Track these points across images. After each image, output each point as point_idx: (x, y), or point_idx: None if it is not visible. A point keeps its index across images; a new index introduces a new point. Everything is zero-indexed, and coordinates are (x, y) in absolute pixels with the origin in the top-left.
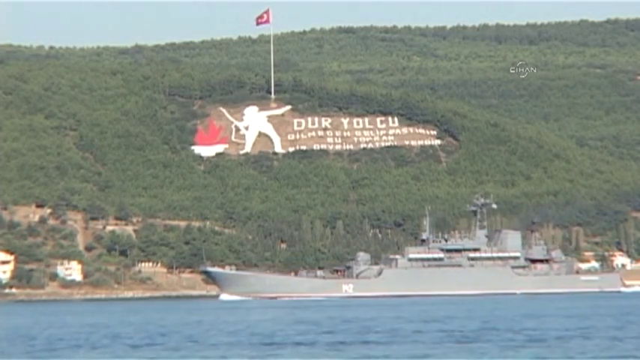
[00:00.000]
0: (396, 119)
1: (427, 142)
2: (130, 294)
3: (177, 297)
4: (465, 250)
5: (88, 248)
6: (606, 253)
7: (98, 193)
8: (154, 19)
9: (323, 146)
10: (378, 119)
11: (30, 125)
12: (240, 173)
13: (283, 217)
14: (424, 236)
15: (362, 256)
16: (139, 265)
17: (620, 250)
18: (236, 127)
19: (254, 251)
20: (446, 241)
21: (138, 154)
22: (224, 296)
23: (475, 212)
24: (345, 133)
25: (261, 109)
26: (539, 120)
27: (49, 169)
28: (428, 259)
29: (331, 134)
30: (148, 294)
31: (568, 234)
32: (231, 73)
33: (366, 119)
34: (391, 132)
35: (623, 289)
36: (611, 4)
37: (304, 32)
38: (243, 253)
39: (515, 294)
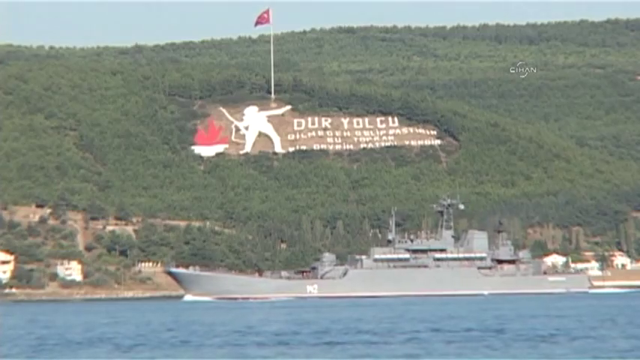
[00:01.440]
0: (396, 119)
1: (427, 142)
2: (130, 294)
3: (177, 297)
4: (430, 250)
5: (88, 248)
6: (606, 253)
7: (98, 193)
8: (154, 19)
9: (323, 146)
10: (378, 119)
11: (30, 125)
12: (240, 173)
13: (283, 217)
14: (390, 237)
15: (327, 256)
16: (139, 265)
17: (620, 250)
18: (236, 127)
19: (254, 251)
20: (412, 241)
21: (138, 154)
22: (188, 297)
23: (442, 213)
24: (345, 133)
25: (261, 109)
26: (539, 120)
27: (49, 169)
28: (393, 260)
29: (331, 134)
30: (148, 294)
31: (568, 234)
32: (231, 73)
33: (366, 119)
34: (391, 132)
35: (590, 290)
36: (611, 4)
37: (304, 32)
38: (243, 253)
39: (482, 294)
